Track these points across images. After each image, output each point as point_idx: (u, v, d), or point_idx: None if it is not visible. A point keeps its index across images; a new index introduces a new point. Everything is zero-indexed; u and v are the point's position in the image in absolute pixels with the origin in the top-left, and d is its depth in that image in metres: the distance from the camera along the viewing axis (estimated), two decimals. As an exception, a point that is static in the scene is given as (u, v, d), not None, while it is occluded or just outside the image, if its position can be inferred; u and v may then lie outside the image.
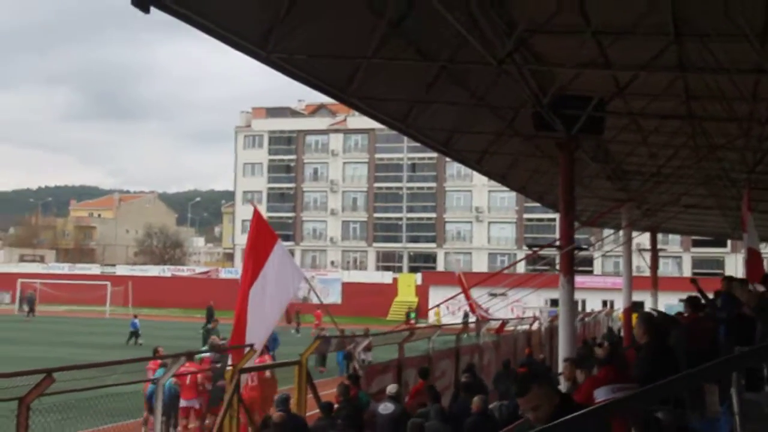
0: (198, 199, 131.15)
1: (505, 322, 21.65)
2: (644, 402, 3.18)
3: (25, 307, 59.24)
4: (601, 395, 7.61)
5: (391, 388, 12.21)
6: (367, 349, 15.36)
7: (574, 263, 12.73)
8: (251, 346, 10.18)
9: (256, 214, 11.31)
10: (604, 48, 11.53)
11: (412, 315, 54.36)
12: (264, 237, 11.11)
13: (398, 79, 12.61)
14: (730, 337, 10.77)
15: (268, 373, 14.46)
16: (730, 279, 12.49)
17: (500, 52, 9.49)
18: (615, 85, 12.94)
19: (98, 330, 39.81)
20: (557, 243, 12.62)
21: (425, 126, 14.91)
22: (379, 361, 13.35)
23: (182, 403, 16.24)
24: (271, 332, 11.26)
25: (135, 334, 36.50)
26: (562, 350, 12.21)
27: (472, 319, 25.48)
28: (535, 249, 14.70)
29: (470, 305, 22.61)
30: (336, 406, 11.01)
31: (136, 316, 39.09)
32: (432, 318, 50.53)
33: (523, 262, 45.52)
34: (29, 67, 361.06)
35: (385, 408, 11.21)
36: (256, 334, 11.03)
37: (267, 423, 10.29)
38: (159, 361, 18.44)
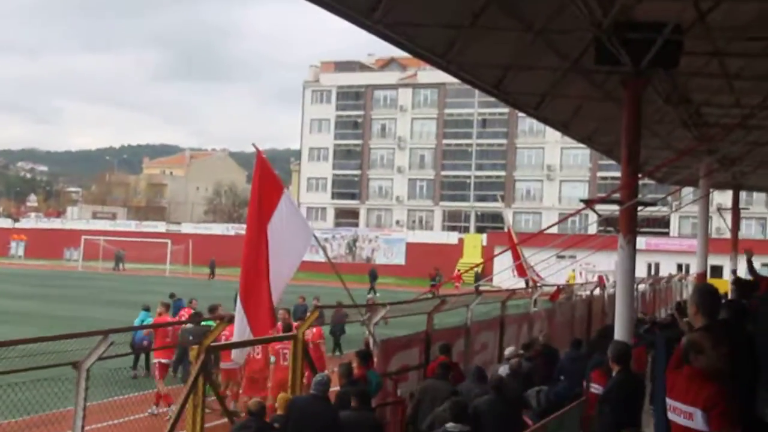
0: (264, 155, 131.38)
1: (561, 288, 19.55)
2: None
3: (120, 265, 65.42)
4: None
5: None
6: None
7: (636, 222, 10.80)
8: (224, 318, 8.64)
9: (260, 159, 9.70)
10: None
11: (438, 278, 47.24)
12: (269, 187, 9.54)
13: (436, 3, 10.82)
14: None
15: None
16: None
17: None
18: (694, 9, 10.88)
19: (153, 289, 39.18)
20: (616, 197, 10.69)
21: (472, 62, 13.06)
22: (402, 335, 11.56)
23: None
24: (278, 297, 9.66)
25: None
26: (618, 324, 10.34)
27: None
28: (587, 203, 12.71)
29: (518, 267, 20.41)
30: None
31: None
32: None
33: (595, 222, 43.10)
34: (124, 30, 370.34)
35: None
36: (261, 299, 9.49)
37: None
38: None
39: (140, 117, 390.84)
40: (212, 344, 8.52)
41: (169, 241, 66.76)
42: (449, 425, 7.96)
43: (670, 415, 5.33)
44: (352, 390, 8.71)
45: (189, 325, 15.94)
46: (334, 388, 9.32)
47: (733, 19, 11.25)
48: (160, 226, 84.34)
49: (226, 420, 9.08)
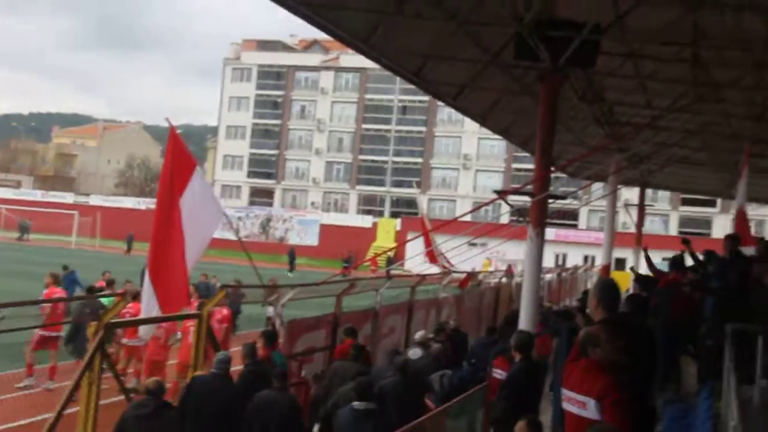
0: (179, 131, 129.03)
1: (470, 275, 19.93)
2: None
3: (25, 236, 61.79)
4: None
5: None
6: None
7: (546, 214, 11.09)
8: (125, 294, 8.53)
9: (173, 134, 9.58)
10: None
11: (350, 261, 48.49)
12: (181, 163, 9.42)
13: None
14: (720, 311, 9.10)
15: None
16: (733, 238, 10.63)
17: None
18: (612, 11, 11.15)
19: (58, 261, 38.10)
20: (529, 189, 10.93)
21: (393, 49, 13.13)
22: (311, 316, 11.57)
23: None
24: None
25: None
26: (524, 312, 10.67)
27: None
28: (500, 193, 12.97)
29: (429, 253, 20.63)
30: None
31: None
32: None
33: (507, 212, 43.80)
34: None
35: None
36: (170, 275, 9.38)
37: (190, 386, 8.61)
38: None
39: (52, 85, 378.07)
40: (112, 321, 8.29)
41: (76, 213, 65.02)
42: (355, 403, 8.08)
43: (565, 405, 5.48)
44: (272, 371, 8.71)
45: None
46: (236, 367, 9.29)
47: (648, 23, 11.59)
48: (68, 197, 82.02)
49: (123, 398, 8.87)
